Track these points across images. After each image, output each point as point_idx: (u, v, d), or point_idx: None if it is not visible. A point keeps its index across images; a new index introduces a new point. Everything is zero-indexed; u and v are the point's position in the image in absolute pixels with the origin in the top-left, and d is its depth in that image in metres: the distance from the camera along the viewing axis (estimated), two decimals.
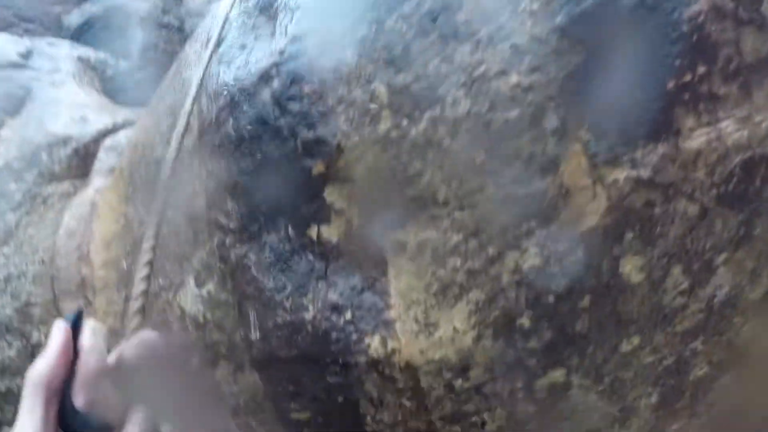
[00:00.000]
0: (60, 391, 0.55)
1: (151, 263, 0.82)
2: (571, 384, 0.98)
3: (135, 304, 0.74)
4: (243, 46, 1.11)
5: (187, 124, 0.99)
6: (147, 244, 0.85)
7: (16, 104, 1.65)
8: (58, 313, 1.44)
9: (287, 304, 1.02)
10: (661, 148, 0.88)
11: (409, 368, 1.00)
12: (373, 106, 0.93)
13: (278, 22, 1.08)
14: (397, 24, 0.94)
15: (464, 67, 0.89)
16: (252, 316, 1.07)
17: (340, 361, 1.03)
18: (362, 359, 1.01)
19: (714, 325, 0.97)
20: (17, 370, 1.57)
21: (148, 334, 0.62)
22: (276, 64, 1.03)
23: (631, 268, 0.90)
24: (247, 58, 1.07)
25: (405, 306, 0.97)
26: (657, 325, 0.94)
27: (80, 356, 0.57)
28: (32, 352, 1.52)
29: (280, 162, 1.01)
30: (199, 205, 1.11)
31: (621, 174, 0.87)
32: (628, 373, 0.97)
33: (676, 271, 0.92)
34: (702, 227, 0.91)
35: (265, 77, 1.03)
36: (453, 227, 0.92)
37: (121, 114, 1.66)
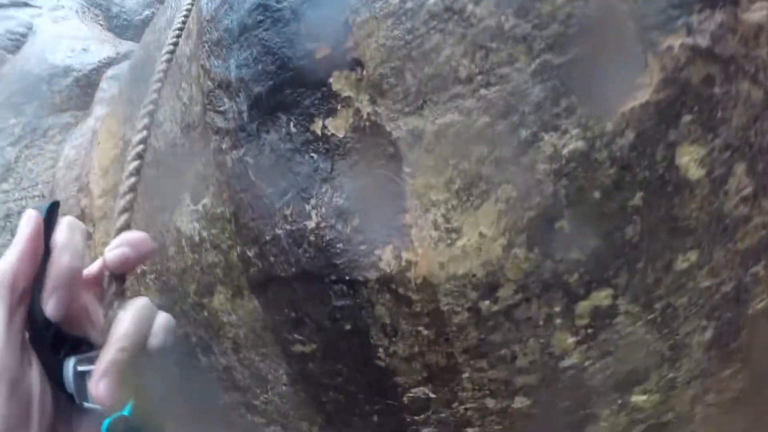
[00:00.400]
0: (27, 294, 0.44)
1: (141, 156, 0.69)
2: (617, 309, 0.81)
3: (121, 202, 0.60)
4: None
5: (184, 22, 0.88)
6: (137, 137, 0.73)
7: (17, 41, 1.60)
8: None
9: (288, 212, 0.89)
10: (719, 16, 0.73)
11: (427, 286, 0.85)
12: None
13: None
14: None
15: None
16: (249, 228, 0.93)
17: (347, 278, 0.88)
18: (372, 275, 0.86)
19: None
20: None
21: (135, 234, 0.49)
22: None
23: (689, 160, 0.75)
24: None
25: (422, 208, 0.82)
26: (717, 239, 0.78)
27: (53, 254, 0.45)
28: None
29: (281, 48, 0.88)
30: (196, 111, 0.99)
31: (676, 40, 0.73)
32: (682, 299, 0.80)
33: (740, 169, 0.76)
34: (767, 117, 0.75)
35: None
36: (479, 108, 0.78)
37: (125, 46, 1.59)
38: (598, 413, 0.88)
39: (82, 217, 1.34)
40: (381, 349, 0.91)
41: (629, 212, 0.75)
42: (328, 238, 0.87)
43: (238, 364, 1.03)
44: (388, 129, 0.83)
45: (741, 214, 0.75)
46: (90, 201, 1.31)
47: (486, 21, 0.76)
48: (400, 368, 0.92)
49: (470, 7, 0.78)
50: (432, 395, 0.93)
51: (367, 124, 0.85)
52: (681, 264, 0.77)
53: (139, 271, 1.11)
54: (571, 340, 0.82)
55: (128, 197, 0.57)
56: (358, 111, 0.85)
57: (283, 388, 1.02)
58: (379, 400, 0.96)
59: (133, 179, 0.60)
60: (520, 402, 0.88)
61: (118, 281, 0.46)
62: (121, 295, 0.46)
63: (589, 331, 0.82)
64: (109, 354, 0.42)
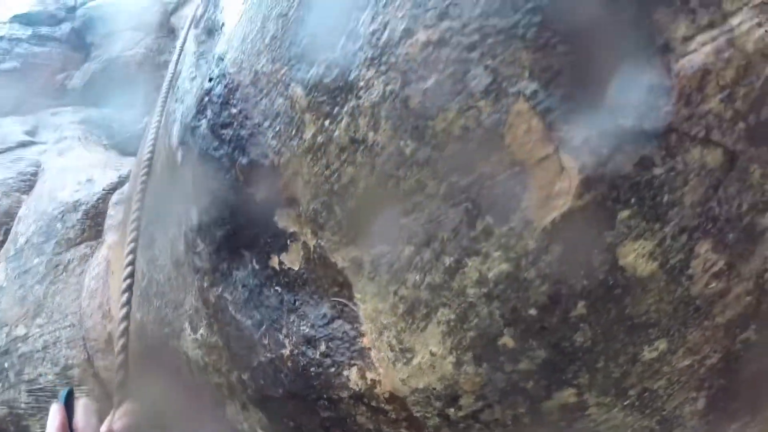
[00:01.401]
0: None
1: (130, 288, 0.66)
2: (586, 403, 0.67)
3: (119, 343, 0.64)
4: (192, 78, 0.91)
5: (149, 166, 0.82)
6: (126, 271, 0.69)
7: (29, 181, 1.63)
8: (95, 371, 1.37)
9: (266, 342, 0.82)
10: (646, 78, 0.54)
11: (395, 399, 0.75)
12: (294, 113, 0.69)
13: (213, 42, 0.87)
14: (299, 11, 0.68)
15: (368, 39, 0.61)
16: (240, 356, 0.88)
17: (325, 396, 0.80)
18: (345, 393, 0.78)
19: (766, 309, 0.60)
20: None
21: (132, 406, 0.59)
22: (208, 92, 0.82)
23: (635, 258, 0.58)
24: (191, 89, 0.88)
25: (377, 332, 0.72)
26: (688, 322, 0.61)
27: None
28: None
29: (228, 194, 0.80)
30: (180, 250, 0.94)
31: (591, 130, 0.55)
32: (659, 382, 0.65)
33: (704, 248, 0.58)
34: (732, 181, 0.56)
35: (201, 108, 0.83)
36: (402, 238, 0.66)
37: (127, 166, 1.56)
38: None
39: (109, 339, 1.35)
40: None
41: (573, 322, 0.61)
42: (302, 363, 0.80)
43: None
44: (332, 260, 0.74)
45: (715, 290, 0.59)
46: (114, 326, 1.32)
47: (388, 148, 0.63)
48: None
49: (371, 135, 0.65)
50: None
51: (316, 255, 0.76)
52: (649, 354, 0.62)
53: None
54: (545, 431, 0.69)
55: (123, 340, 0.64)
56: (305, 244, 0.76)
57: None
58: None
59: (124, 320, 0.67)
60: None
61: None
62: None
63: (562, 423, 0.68)
64: None
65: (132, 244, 0.69)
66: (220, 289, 0.89)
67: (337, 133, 0.71)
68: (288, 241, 0.80)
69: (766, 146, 0.56)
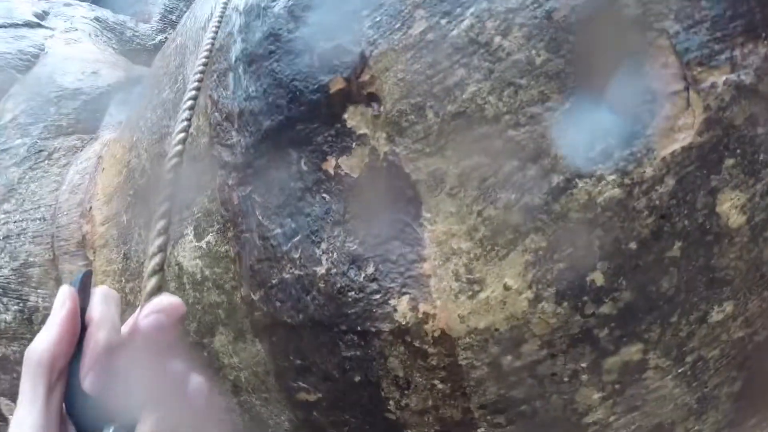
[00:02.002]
0: (65, 371, 0.39)
1: (168, 214, 0.52)
2: (647, 364, 0.64)
3: (151, 263, 0.45)
4: None
5: (209, 54, 0.68)
6: (163, 194, 0.53)
7: (28, 61, 1.36)
8: (57, 275, 1.09)
9: (296, 256, 0.68)
10: (762, 49, 0.58)
11: (445, 340, 0.66)
12: (404, 6, 0.63)
13: None
14: None
15: None
16: (254, 270, 0.72)
17: (359, 328, 0.68)
18: (386, 326, 0.67)
19: None
20: (14, 335, 1.21)
21: (169, 299, 0.41)
22: None
23: (730, 207, 0.59)
24: None
25: (442, 257, 0.64)
26: (753, 289, 0.62)
27: (89, 329, 0.39)
28: (29, 316, 1.17)
29: (292, 81, 0.69)
30: (203, 143, 0.78)
31: (720, 76, 0.56)
32: (714, 352, 0.64)
33: None
34: None
35: None
36: (507, 150, 0.60)
37: (136, 71, 1.37)
38: None
39: (82, 242, 1.10)
40: (392, 402, 0.71)
41: (666, 264, 0.58)
42: (339, 285, 0.67)
43: (238, 407, 0.81)
44: (406, 170, 0.65)
45: None
46: (92, 228, 1.08)
47: (515, 55, 0.59)
48: (411, 421, 0.72)
49: (497, 40, 0.60)
50: None
51: (384, 164, 0.66)
52: (716, 316, 0.61)
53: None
54: (596, 396, 0.64)
55: (158, 258, 0.45)
56: (374, 150, 0.66)
57: None
58: None
59: (162, 239, 0.47)
60: None
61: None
62: None
63: (617, 386, 0.64)
64: (147, 424, 0.36)
65: (177, 148, 0.56)
66: (250, 189, 0.75)
67: (455, 32, 0.66)
68: (354, 144, 0.71)
69: None
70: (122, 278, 1.02)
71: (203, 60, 0.69)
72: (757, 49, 0.61)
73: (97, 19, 1.50)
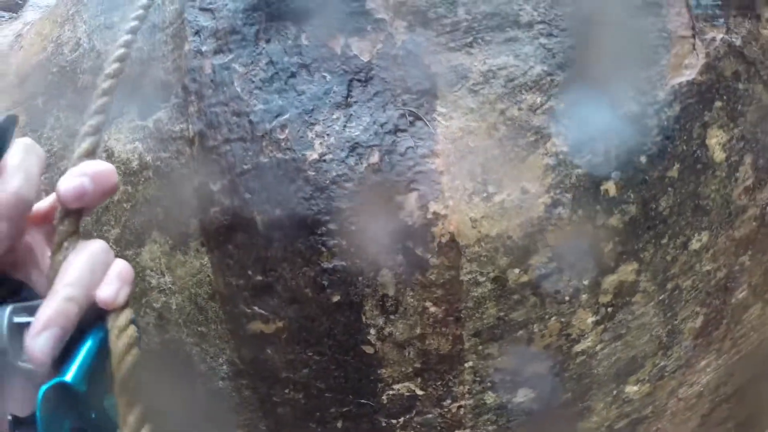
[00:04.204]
0: None
1: (111, 91, 0.36)
2: (638, 286, 0.61)
3: (88, 124, 0.33)
4: None
5: None
6: (110, 68, 0.35)
7: None
8: None
9: (282, 136, 0.52)
10: (747, 24, 0.63)
11: (452, 248, 0.54)
12: None
13: None
14: None
15: None
16: (220, 153, 0.53)
17: (353, 228, 0.52)
18: (388, 227, 0.52)
19: (762, 239, 0.70)
20: None
21: (99, 165, 0.30)
22: None
23: (716, 143, 0.60)
24: None
25: (457, 155, 0.54)
26: (723, 224, 0.65)
27: (1, 176, 0.28)
28: None
29: None
30: (170, 10, 0.59)
31: (718, 34, 0.59)
32: (687, 282, 0.64)
33: (748, 160, 0.65)
34: None
35: None
36: (537, 56, 0.54)
37: None
38: (593, 406, 0.63)
39: None
40: (373, 330, 0.56)
41: (667, 183, 0.57)
42: (334, 174, 0.52)
43: (160, 347, 0.56)
44: (426, 62, 0.54)
45: (742, 203, 0.61)
46: None
47: None
48: (389, 356, 0.57)
49: None
50: (419, 392, 0.58)
51: (401, 52, 0.54)
52: (695, 244, 0.60)
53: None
54: (590, 319, 0.58)
55: (97, 119, 0.33)
56: (391, 37, 0.55)
57: (220, 383, 0.57)
58: (352, 400, 0.59)
59: (99, 117, 0.34)
60: (523, 395, 0.59)
61: (72, 218, 0.29)
62: (75, 235, 0.29)
63: (609, 309, 0.59)
64: (53, 303, 0.26)
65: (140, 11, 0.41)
66: (230, 57, 0.57)
67: None
68: (369, 27, 0.59)
69: None
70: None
71: None
72: (744, 23, 0.65)
73: None
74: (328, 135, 0.57)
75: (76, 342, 0.26)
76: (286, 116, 0.57)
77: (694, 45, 0.62)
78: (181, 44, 0.60)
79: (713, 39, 0.63)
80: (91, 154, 0.31)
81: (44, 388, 0.25)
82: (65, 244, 0.28)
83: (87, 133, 0.32)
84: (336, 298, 0.58)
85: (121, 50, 0.38)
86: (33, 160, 0.29)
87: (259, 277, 0.57)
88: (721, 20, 0.64)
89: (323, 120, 0.57)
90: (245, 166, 0.56)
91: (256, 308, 0.59)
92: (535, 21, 0.59)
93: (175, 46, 0.61)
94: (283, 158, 0.56)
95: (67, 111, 0.70)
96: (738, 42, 0.64)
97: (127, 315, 0.27)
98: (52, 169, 0.70)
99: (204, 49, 0.59)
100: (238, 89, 0.57)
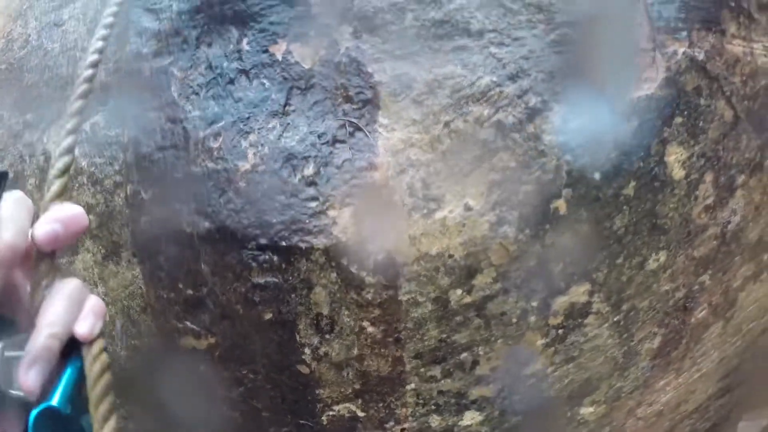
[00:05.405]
0: None
1: (81, 111, 0.35)
2: (590, 308, 0.56)
3: (58, 163, 0.33)
4: None
5: None
6: (80, 86, 0.36)
7: None
8: None
9: (214, 145, 0.47)
10: (711, 38, 0.57)
11: (389, 266, 0.50)
12: None
13: None
14: None
15: None
16: (152, 161, 0.48)
17: (283, 243, 0.49)
18: (320, 242, 0.48)
19: (722, 258, 0.65)
20: None
21: (67, 210, 0.32)
22: None
23: (675, 160, 0.55)
24: None
25: (397, 168, 0.49)
26: (681, 243, 0.60)
27: None
28: None
29: None
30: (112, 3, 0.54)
31: (680, 47, 0.54)
32: (644, 302, 0.60)
33: (709, 178, 0.59)
34: (732, 137, 0.61)
35: None
36: (486, 65, 0.49)
37: None
38: (547, 428, 0.57)
39: None
40: (308, 350, 0.51)
41: (621, 201, 0.52)
42: (266, 186, 0.47)
43: None
44: (369, 70, 0.49)
45: (702, 221, 0.56)
46: None
47: None
48: (326, 377, 0.53)
49: None
50: (361, 413, 0.54)
51: (345, 60, 0.49)
52: (652, 264, 0.55)
53: None
54: (540, 342, 0.54)
55: (66, 159, 0.33)
56: (335, 43, 0.50)
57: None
58: (291, 420, 0.54)
59: (71, 138, 0.33)
60: (470, 418, 0.55)
61: (48, 259, 0.32)
62: (51, 273, 0.32)
63: (560, 331, 0.55)
64: (39, 340, 0.30)
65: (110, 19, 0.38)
66: (169, 60, 0.53)
67: None
68: (312, 32, 0.54)
69: (752, 126, 0.64)
70: None
71: None
72: (708, 37, 0.60)
73: None
74: (262, 145, 0.52)
75: (58, 369, 0.30)
76: (221, 124, 0.52)
77: (653, 58, 0.57)
78: (123, 46, 0.56)
79: (675, 52, 0.58)
80: (61, 194, 0.33)
81: (35, 412, 0.29)
82: (43, 283, 0.31)
83: (60, 154, 0.33)
84: (268, 316, 0.53)
85: (95, 56, 0.35)
86: (23, 213, 0.31)
87: (190, 291, 0.53)
88: (684, 33, 0.59)
89: (258, 129, 0.52)
90: (177, 175, 0.51)
91: (187, 323, 0.54)
92: (486, 29, 0.54)
93: (117, 47, 0.57)
94: (215, 168, 0.51)
95: (11, 110, 0.66)
96: (701, 56, 0.59)
97: (99, 344, 0.31)
98: None
99: (144, 50, 0.54)
100: (175, 94, 0.52)
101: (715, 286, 0.68)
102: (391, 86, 0.55)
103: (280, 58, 0.54)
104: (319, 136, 0.54)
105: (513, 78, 0.54)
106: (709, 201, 0.63)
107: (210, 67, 0.53)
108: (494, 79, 0.54)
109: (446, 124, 0.54)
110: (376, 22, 0.55)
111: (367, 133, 0.54)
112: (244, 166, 0.51)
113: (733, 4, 0.64)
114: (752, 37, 0.66)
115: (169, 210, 0.52)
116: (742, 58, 0.64)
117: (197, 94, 0.53)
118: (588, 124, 0.55)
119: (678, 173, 0.60)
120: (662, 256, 0.61)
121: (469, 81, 0.54)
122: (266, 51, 0.54)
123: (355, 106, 0.55)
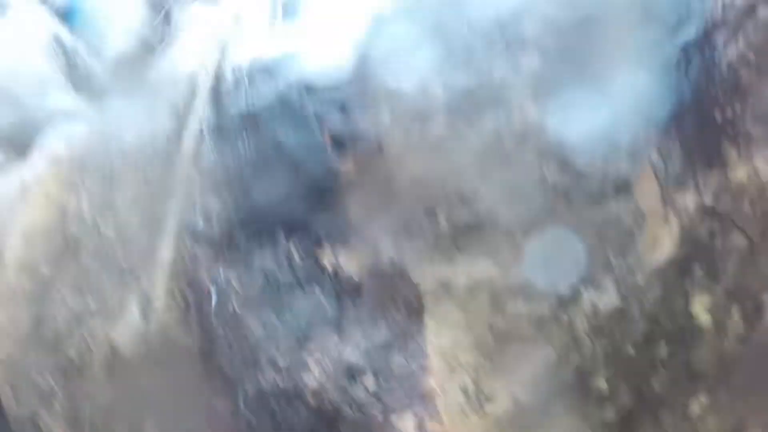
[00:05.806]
0: None
1: None
2: None
3: None
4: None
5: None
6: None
7: None
8: None
9: (280, 360, 0.52)
10: (716, 175, 0.60)
11: None
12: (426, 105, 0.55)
13: None
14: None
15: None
16: (226, 374, 0.53)
17: None
18: None
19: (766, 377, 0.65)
20: None
21: None
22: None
23: (700, 308, 0.60)
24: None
25: (448, 370, 0.53)
26: (721, 379, 0.61)
27: None
28: None
29: (295, 153, 0.56)
30: (172, 204, 0.59)
31: (689, 197, 0.57)
32: None
33: (735, 311, 0.61)
34: (751, 262, 0.63)
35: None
36: (514, 258, 0.53)
37: (87, 105, 1.00)
38: None
39: None
40: None
41: (656, 364, 0.55)
42: (333, 400, 0.51)
43: None
44: (412, 276, 0.53)
45: (737, 352, 0.58)
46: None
47: (530, 170, 0.53)
48: None
49: (512, 150, 0.54)
50: None
51: (391, 269, 0.53)
52: (695, 408, 0.57)
53: None
54: None
55: None
56: (377, 249, 0.54)
57: None
58: None
59: None
60: None
61: None
62: None
63: None
64: None
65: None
66: (226, 271, 0.57)
67: (474, 140, 0.59)
68: (354, 240, 0.58)
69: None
70: (27, 345, 0.71)
71: None
72: (712, 176, 0.63)
73: (56, 36, 1.10)
74: (324, 359, 0.56)
75: None
76: (282, 339, 0.57)
77: (666, 218, 0.60)
78: (181, 248, 0.61)
79: (686, 206, 0.61)
80: None
81: None
82: None
83: None
84: None
85: None
86: None
87: None
88: (691, 182, 0.62)
89: (318, 341, 0.57)
90: (249, 388, 0.56)
91: None
92: (515, 223, 0.58)
93: (175, 246, 0.61)
94: (284, 385, 0.56)
95: (72, 292, 0.70)
96: (709, 200, 0.62)
97: None
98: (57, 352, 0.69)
99: (200, 258, 0.59)
100: (236, 307, 0.57)
101: (763, 404, 0.70)
102: (435, 291, 0.58)
103: (329, 269, 0.59)
104: (376, 345, 0.58)
105: (545, 267, 0.58)
106: (740, 330, 0.66)
107: (264, 276, 0.57)
108: (524, 276, 0.58)
109: (488, 324, 0.58)
110: (413, 227, 0.60)
111: (416, 336, 0.58)
112: (310, 380, 0.55)
113: (730, 131, 0.67)
114: (752, 154, 0.68)
115: (248, 425, 0.56)
116: (747, 183, 0.66)
117: (257, 305, 0.57)
118: (619, 304, 0.58)
119: (705, 319, 0.63)
120: (704, 398, 0.63)
121: (504, 279, 0.58)
122: (315, 260, 0.58)
123: (403, 313, 0.59)
